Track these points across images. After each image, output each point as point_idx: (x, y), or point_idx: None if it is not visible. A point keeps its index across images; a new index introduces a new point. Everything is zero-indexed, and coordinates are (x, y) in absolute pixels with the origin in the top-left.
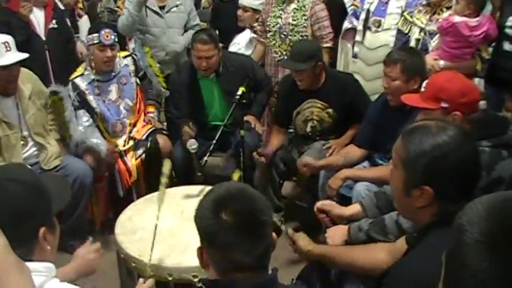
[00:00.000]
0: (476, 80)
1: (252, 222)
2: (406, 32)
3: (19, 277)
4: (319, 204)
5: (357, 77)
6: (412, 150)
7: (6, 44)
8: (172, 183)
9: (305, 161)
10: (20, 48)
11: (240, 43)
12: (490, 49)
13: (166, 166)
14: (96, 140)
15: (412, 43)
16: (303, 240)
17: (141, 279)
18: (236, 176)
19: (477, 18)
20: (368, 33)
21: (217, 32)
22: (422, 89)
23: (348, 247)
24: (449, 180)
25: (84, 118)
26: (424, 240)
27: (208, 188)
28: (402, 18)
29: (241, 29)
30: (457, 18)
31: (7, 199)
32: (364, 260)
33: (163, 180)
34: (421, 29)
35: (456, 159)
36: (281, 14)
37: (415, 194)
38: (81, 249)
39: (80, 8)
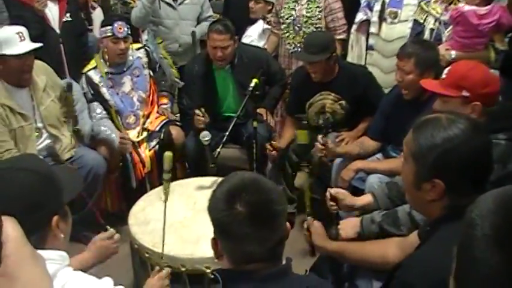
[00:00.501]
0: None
1: (266, 213)
2: (422, 21)
3: (35, 269)
4: (332, 190)
5: (373, 69)
6: (423, 143)
7: (20, 34)
8: (185, 174)
9: (326, 140)
10: (35, 41)
11: (253, 35)
12: (506, 39)
13: (167, 162)
14: (110, 131)
15: (427, 33)
16: (319, 235)
17: (156, 267)
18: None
19: (487, 7)
20: (384, 24)
21: None
22: (443, 76)
23: (359, 243)
24: (460, 173)
25: (98, 110)
26: (436, 234)
27: (221, 179)
28: (419, 7)
29: (254, 21)
30: (466, 7)
31: (20, 188)
32: (375, 255)
33: (166, 176)
34: (436, 19)
35: (467, 153)
36: (295, 5)
37: (425, 187)
38: (96, 237)
39: (94, 0)
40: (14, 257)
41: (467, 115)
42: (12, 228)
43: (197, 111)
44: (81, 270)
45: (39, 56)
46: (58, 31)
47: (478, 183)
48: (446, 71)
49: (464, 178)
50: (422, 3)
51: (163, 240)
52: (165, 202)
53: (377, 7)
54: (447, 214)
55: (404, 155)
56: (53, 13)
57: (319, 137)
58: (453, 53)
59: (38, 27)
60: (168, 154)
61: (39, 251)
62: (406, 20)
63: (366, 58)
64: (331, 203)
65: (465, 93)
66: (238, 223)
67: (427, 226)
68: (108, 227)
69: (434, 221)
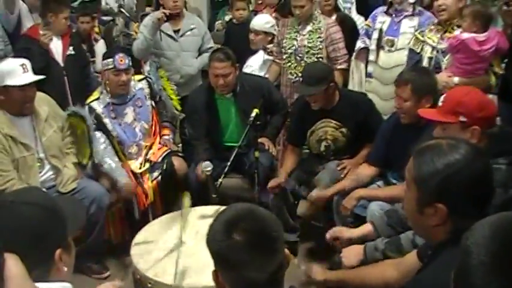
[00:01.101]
0: (490, 97)
1: (264, 239)
2: (418, 51)
3: None
4: (328, 235)
5: (372, 96)
6: (425, 169)
7: (24, 66)
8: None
9: (315, 196)
10: (40, 74)
11: (253, 65)
12: (503, 65)
13: (186, 201)
14: (114, 166)
15: (425, 61)
16: (317, 272)
17: None
18: (186, 199)
19: (485, 33)
20: (382, 52)
21: None
22: (440, 104)
23: (357, 269)
24: (463, 197)
25: (101, 140)
26: (439, 258)
27: (224, 208)
28: (414, 37)
29: (254, 51)
30: (465, 35)
31: (23, 222)
32: (375, 280)
33: (185, 212)
34: (433, 48)
35: (469, 176)
36: (296, 36)
37: (428, 212)
38: (105, 284)
39: (96, 33)
40: None
41: (467, 140)
42: (15, 265)
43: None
44: None
45: (43, 87)
46: (62, 64)
47: (480, 206)
48: (442, 98)
49: (467, 202)
50: (417, 33)
51: (175, 272)
52: (181, 237)
53: (375, 35)
54: (450, 238)
55: (406, 182)
56: (56, 47)
57: (308, 197)
58: (456, 79)
59: (42, 60)
60: (187, 197)
61: (43, 284)
62: (403, 48)
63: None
64: (334, 242)
65: (462, 119)
66: (236, 251)
67: (428, 249)
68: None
69: (438, 244)
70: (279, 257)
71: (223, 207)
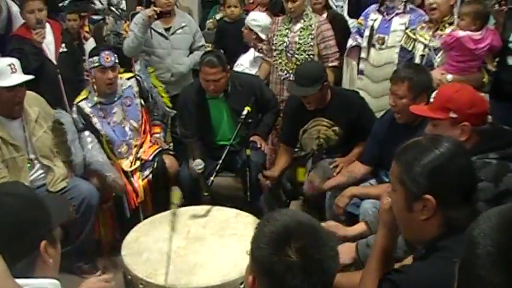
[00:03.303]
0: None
1: (321, 268)
2: (410, 49)
3: None
4: (324, 224)
5: (363, 94)
6: (408, 166)
7: (12, 66)
8: (180, 204)
9: (311, 180)
10: (35, 74)
11: (244, 63)
12: (494, 63)
13: (176, 196)
14: (102, 165)
15: (417, 59)
16: None
17: None
18: (176, 196)
19: (480, 32)
20: (372, 50)
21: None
22: (431, 100)
23: (349, 274)
24: (450, 187)
25: (89, 139)
26: (434, 253)
27: (216, 208)
28: (405, 35)
29: (246, 49)
30: (461, 33)
31: (5, 213)
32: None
33: (173, 208)
34: (425, 45)
35: (453, 168)
36: (287, 32)
37: (417, 207)
38: (91, 279)
39: (86, 32)
40: None
41: (445, 136)
42: None
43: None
44: None
45: (38, 87)
46: (55, 62)
47: (467, 196)
48: (433, 94)
49: (454, 192)
50: (408, 31)
51: (166, 271)
52: (171, 235)
53: (366, 33)
54: (442, 233)
55: (392, 186)
56: (48, 44)
57: (306, 175)
58: (450, 77)
59: (37, 59)
60: (178, 192)
61: (30, 280)
62: (394, 46)
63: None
64: None
65: (453, 115)
66: (287, 270)
67: (422, 249)
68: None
69: (431, 241)
70: (330, 280)
71: (215, 207)
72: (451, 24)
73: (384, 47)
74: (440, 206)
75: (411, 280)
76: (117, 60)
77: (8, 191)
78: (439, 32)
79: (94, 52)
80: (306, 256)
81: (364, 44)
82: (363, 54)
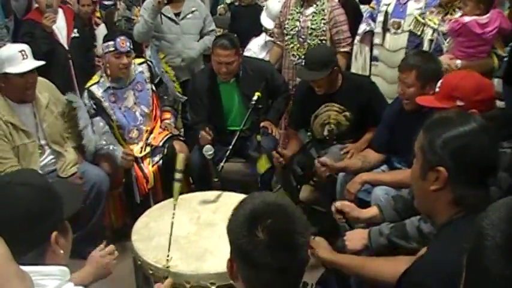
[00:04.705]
0: (496, 81)
1: (290, 244)
2: (419, 34)
3: (20, 286)
4: (338, 204)
5: (378, 80)
6: (431, 136)
7: (23, 52)
8: (189, 189)
9: (324, 160)
10: (45, 58)
11: (252, 48)
12: (508, 48)
13: (180, 161)
14: (112, 146)
15: (426, 44)
16: (323, 249)
17: (157, 284)
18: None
19: (487, 15)
20: (388, 35)
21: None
22: (437, 89)
23: (367, 258)
24: (466, 163)
25: (101, 124)
26: (443, 235)
27: (226, 193)
28: (414, 20)
29: (259, 33)
30: (467, 18)
31: (18, 202)
32: (387, 273)
33: (177, 175)
34: (434, 30)
35: (474, 145)
36: (299, 17)
37: (431, 177)
38: (96, 252)
39: (98, 17)
40: None
41: (476, 116)
42: None
43: (203, 133)
44: (83, 285)
45: (48, 72)
46: (67, 47)
47: (483, 175)
48: (439, 84)
49: (469, 168)
50: (417, 16)
51: (169, 247)
52: (174, 204)
53: (380, 18)
54: (454, 213)
55: (416, 155)
56: (60, 29)
57: (316, 160)
58: (459, 62)
59: (47, 43)
60: (181, 155)
61: (39, 267)
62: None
63: (370, 69)
64: (338, 216)
65: (459, 103)
66: (259, 252)
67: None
68: (104, 241)
69: (442, 224)
70: (301, 264)
71: (225, 193)
72: (460, 8)
73: (399, 31)
74: (452, 180)
75: (428, 269)
76: (132, 46)
77: (22, 180)
78: (448, 16)
79: (109, 37)
80: (271, 234)
81: (378, 29)
82: (377, 40)
